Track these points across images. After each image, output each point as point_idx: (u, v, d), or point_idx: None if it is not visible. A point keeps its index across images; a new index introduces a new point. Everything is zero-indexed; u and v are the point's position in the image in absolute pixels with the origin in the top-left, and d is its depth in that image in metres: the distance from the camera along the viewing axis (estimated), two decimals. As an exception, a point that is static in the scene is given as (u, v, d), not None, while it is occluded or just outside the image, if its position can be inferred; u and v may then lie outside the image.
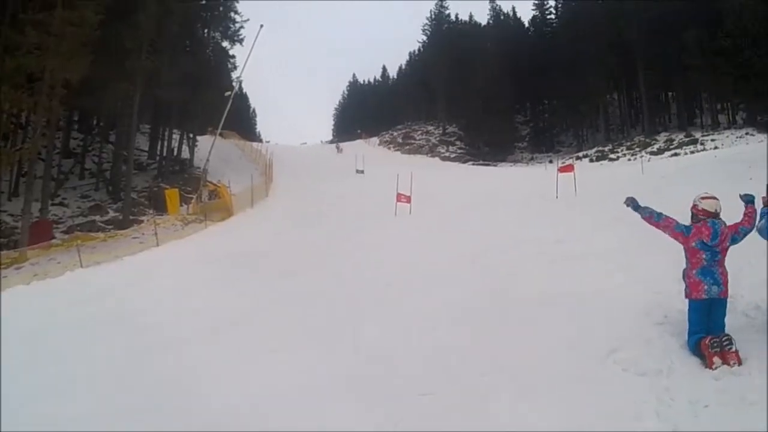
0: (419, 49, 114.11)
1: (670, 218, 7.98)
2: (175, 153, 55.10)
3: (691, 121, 74.16)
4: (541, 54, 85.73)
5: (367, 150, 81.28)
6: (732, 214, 7.91)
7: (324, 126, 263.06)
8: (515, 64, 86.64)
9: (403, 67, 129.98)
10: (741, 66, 55.44)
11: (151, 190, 44.59)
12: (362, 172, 56.98)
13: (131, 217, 38.23)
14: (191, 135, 56.89)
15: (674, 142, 63.81)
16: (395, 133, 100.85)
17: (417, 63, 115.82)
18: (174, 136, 54.89)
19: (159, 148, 54.12)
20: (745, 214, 7.90)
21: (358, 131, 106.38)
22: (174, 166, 53.04)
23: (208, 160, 46.93)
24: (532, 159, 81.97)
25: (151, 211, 39.89)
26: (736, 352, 6.92)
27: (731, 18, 57.21)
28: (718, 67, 58.72)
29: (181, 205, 40.28)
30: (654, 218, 8.08)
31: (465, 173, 60.20)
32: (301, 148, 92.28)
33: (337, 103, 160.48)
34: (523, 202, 27.68)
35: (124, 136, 44.21)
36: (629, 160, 59.95)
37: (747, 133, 58.02)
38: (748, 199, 8.02)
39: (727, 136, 59.72)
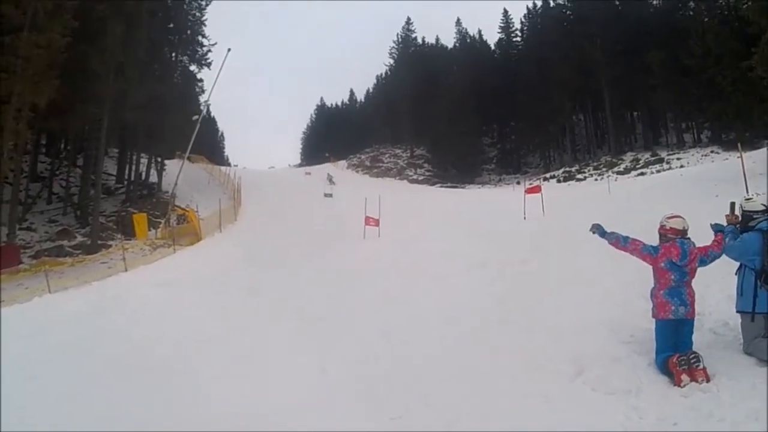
0: (386, 73, 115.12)
1: (637, 240, 8.12)
2: (144, 177, 54.62)
3: (657, 141, 75.63)
4: (507, 76, 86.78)
5: (335, 173, 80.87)
6: (698, 232, 8.16)
7: (292, 150, 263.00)
8: (482, 86, 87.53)
9: (371, 90, 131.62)
10: (704, 85, 56.32)
11: (119, 214, 44.15)
12: (331, 195, 56.69)
13: (99, 242, 37.58)
14: (159, 159, 56.35)
15: (640, 162, 64.86)
16: (363, 156, 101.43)
17: (384, 86, 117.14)
18: (142, 160, 54.40)
19: (127, 172, 53.61)
20: (714, 240, 8.14)
21: (326, 155, 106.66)
22: (142, 191, 52.51)
23: (176, 184, 46.85)
24: (499, 180, 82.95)
25: (119, 236, 39.34)
26: (704, 369, 7.01)
27: (694, 38, 58.07)
28: (682, 86, 59.66)
29: (150, 230, 39.96)
30: (621, 243, 8.23)
31: (433, 195, 60.47)
32: (270, 171, 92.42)
33: (305, 126, 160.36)
34: (491, 224, 27.94)
35: (91, 160, 43.70)
36: (596, 180, 60.58)
37: (712, 152, 58.97)
38: (718, 228, 8.30)
39: (693, 155, 60.66)
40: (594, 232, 8.54)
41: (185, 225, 39.24)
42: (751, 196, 8.23)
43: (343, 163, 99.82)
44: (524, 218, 27.84)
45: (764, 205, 7.91)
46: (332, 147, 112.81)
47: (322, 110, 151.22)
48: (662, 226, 8.08)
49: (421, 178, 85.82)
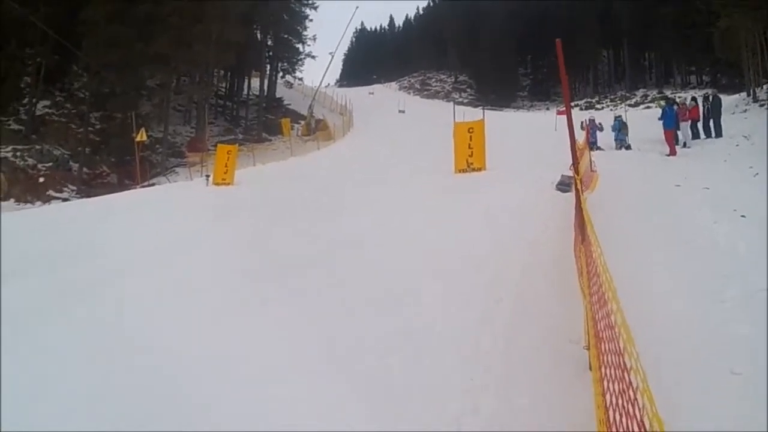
0: (429, 3, 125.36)
1: None
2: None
3: (667, 80, 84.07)
4: (543, 13, 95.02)
5: (392, 94, 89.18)
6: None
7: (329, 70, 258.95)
8: (520, 22, 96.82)
9: (411, 18, 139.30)
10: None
11: (258, 119, 60.34)
12: (403, 111, 64.96)
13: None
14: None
15: (648, 98, 73.48)
16: (412, 80, 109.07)
17: (428, 15, 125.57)
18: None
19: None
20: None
21: (374, 77, 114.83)
22: (273, 104, 68.22)
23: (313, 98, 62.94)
24: (531, 106, 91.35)
25: (264, 135, 55.17)
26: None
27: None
28: (689, 38, 69.40)
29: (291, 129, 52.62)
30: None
31: (485, 116, 68.69)
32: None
33: (346, 49, 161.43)
34: (531, 135, 35.57)
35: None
36: (611, 110, 67.13)
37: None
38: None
39: (693, 94, 69.54)
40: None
41: (324, 130, 51.77)
42: None
43: (394, 84, 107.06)
44: (555, 130, 33.39)
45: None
46: (375, 70, 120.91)
47: (363, 34, 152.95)
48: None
49: (465, 101, 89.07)
